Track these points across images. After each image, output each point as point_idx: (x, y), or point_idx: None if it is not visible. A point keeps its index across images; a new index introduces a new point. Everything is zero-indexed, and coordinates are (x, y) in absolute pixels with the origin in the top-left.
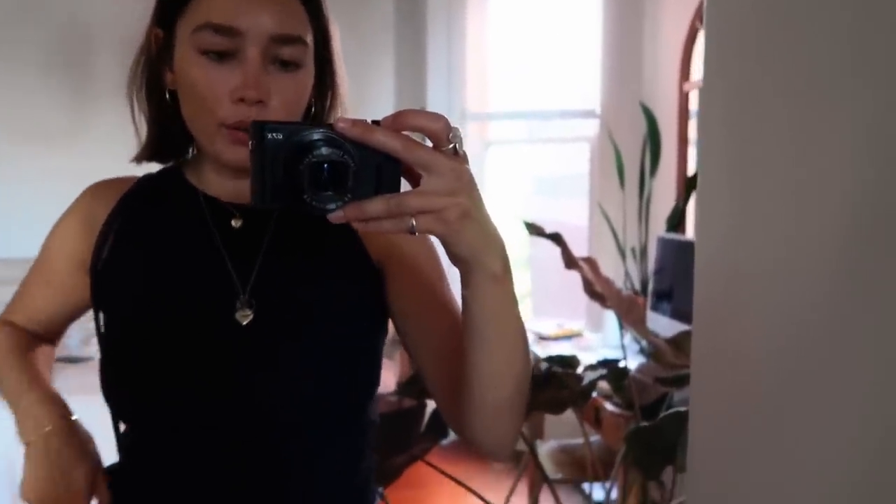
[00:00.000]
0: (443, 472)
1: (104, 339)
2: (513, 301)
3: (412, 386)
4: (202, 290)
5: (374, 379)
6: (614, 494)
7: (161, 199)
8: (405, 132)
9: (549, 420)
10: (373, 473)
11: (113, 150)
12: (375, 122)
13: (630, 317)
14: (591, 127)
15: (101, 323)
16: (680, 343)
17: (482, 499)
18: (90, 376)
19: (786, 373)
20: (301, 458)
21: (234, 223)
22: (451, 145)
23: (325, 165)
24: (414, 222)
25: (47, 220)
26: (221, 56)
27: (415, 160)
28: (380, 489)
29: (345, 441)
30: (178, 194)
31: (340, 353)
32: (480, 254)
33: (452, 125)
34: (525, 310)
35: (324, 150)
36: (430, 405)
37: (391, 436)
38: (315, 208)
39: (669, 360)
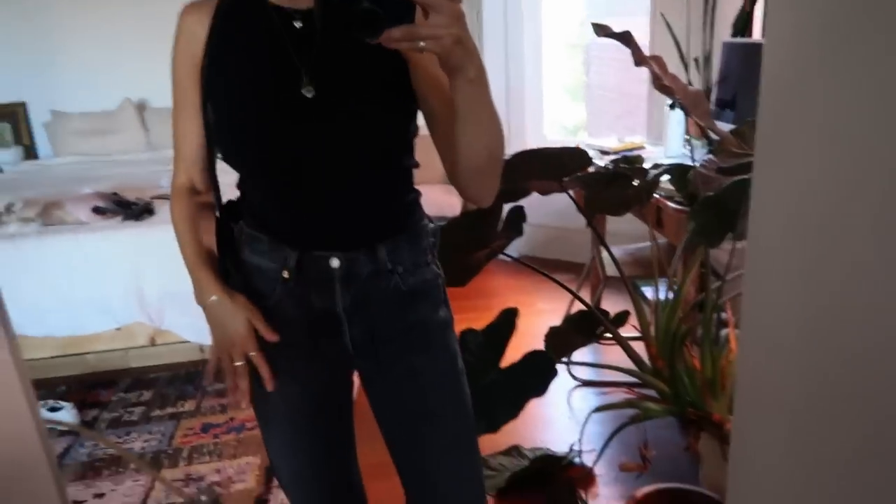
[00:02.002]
0: (532, 268)
1: (215, 122)
2: (485, 97)
3: None
4: (277, 74)
5: (406, 136)
6: (666, 295)
7: (240, 9)
8: None
9: (611, 229)
10: (418, 203)
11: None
12: None
13: (697, 110)
14: None
15: (210, 112)
16: (744, 134)
17: (564, 286)
18: None
19: (847, 154)
20: (359, 189)
21: (296, 24)
22: None
23: (365, 14)
24: (422, 44)
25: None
26: None
27: (425, 3)
28: (433, 225)
29: (391, 177)
30: (252, 4)
31: (377, 116)
32: (463, 66)
33: None
34: (582, 135)
35: (365, 4)
36: (506, 207)
37: (473, 233)
38: (360, 37)
39: (733, 150)
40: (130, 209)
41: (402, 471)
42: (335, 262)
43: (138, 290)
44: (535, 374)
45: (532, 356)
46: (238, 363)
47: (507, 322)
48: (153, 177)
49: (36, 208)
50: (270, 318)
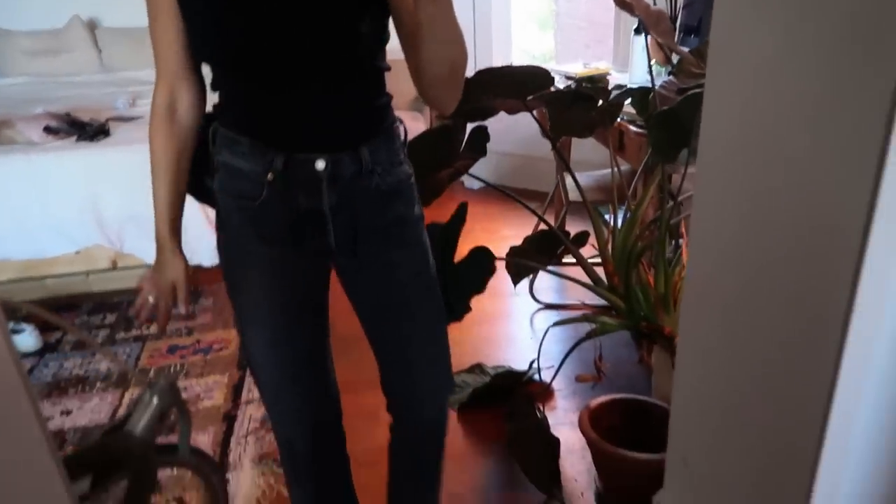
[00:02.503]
0: (499, 190)
1: (188, 20)
2: (448, 14)
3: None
4: None
5: (380, 37)
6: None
7: None
8: None
9: (575, 157)
10: (390, 105)
11: None
12: None
13: (657, 28)
14: None
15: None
16: (703, 53)
17: (528, 207)
18: (138, 132)
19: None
20: (340, 90)
21: None
22: None
23: None
24: None
25: None
26: None
27: None
28: (402, 126)
29: (368, 78)
30: None
31: (352, 15)
32: None
33: None
34: (550, 65)
35: None
36: (470, 126)
37: (436, 152)
38: None
39: (692, 70)
40: (84, 130)
41: (380, 356)
42: (321, 164)
43: (96, 212)
44: (478, 267)
45: (475, 252)
46: (150, 299)
47: (458, 217)
48: (107, 98)
49: None
50: (258, 220)
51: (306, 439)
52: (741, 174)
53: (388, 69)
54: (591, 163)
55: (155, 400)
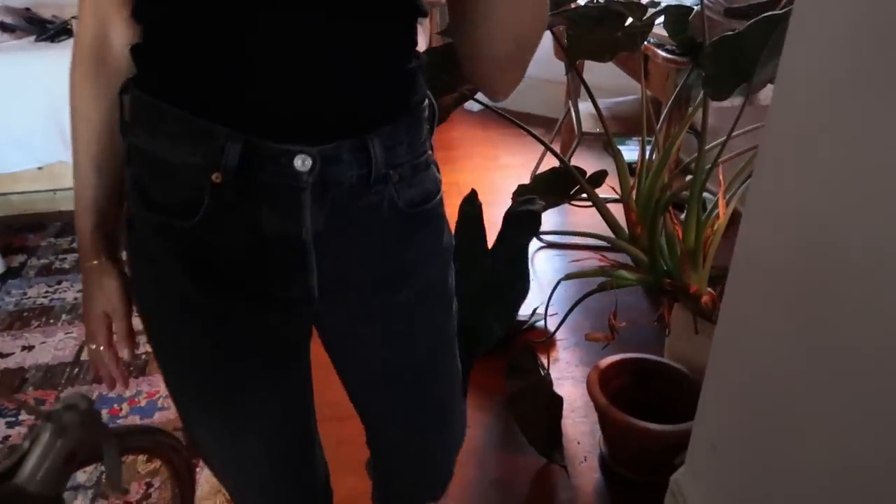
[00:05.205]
0: (506, 116)
1: None
2: None
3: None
4: None
5: None
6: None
7: None
8: None
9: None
10: (421, 72)
11: None
12: None
13: None
14: None
15: None
16: None
17: (539, 139)
18: None
19: None
20: (348, 39)
21: None
22: None
23: None
24: None
25: None
26: None
27: None
28: (433, 106)
29: (391, 27)
30: None
31: None
32: None
33: None
34: None
35: None
36: None
37: (439, 74)
38: None
39: None
40: (45, 28)
41: (372, 434)
42: (304, 162)
43: (59, 125)
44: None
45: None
46: (92, 347)
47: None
48: None
49: None
50: (192, 251)
51: None
52: (822, 121)
53: (425, 15)
54: (605, 89)
55: (56, 437)
